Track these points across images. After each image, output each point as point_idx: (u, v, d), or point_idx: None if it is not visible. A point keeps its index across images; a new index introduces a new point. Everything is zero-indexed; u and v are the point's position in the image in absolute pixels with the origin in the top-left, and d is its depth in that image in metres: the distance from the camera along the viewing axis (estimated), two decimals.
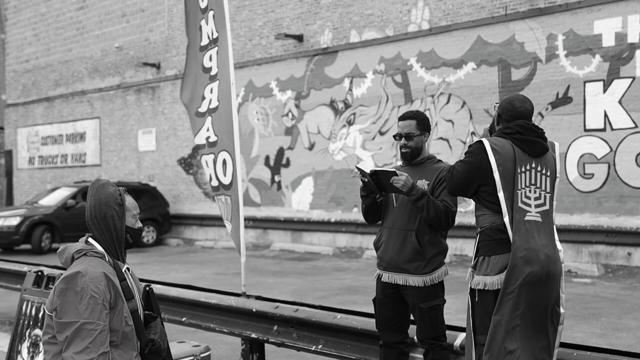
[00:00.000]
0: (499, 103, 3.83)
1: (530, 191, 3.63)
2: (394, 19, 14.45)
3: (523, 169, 3.63)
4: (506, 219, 3.58)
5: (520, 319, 3.53)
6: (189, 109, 6.24)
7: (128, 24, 20.37)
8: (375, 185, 4.15)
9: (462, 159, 3.80)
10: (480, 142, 3.68)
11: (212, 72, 5.95)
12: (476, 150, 3.68)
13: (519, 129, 3.67)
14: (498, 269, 3.59)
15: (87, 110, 21.97)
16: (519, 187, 3.61)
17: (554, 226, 3.74)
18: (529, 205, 3.61)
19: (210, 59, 5.96)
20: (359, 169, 4.15)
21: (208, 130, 5.96)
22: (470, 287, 3.71)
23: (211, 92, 5.97)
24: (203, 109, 6.04)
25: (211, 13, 5.91)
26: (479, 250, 3.71)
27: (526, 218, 3.58)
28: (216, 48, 5.88)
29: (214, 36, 5.91)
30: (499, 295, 3.55)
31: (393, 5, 14.46)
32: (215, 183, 5.96)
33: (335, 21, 15.44)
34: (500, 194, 3.60)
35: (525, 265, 3.52)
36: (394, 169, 4.14)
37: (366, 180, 4.15)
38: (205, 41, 6.05)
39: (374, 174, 4.10)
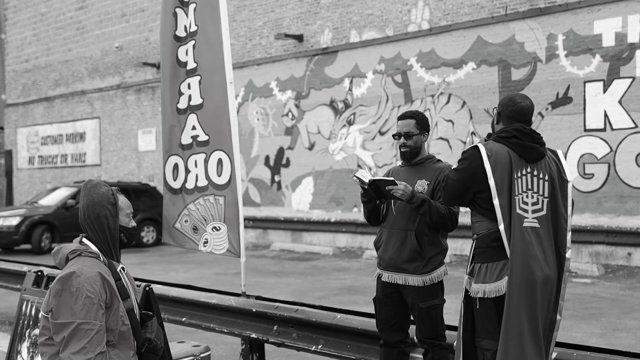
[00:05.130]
0: (499, 102, 3.79)
1: (527, 197, 3.54)
2: (394, 19, 14.44)
3: (519, 174, 3.55)
4: (501, 227, 3.51)
5: (523, 324, 3.48)
6: (162, 102, 5.95)
7: (128, 24, 20.37)
8: (375, 194, 4.16)
9: (455, 166, 3.71)
10: (476, 147, 3.61)
11: (189, 67, 5.72)
12: (471, 157, 3.60)
13: (515, 133, 3.59)
14: (496, 276, 3.54)
15: (87, 110, 21.97)
16: (517, 193, 3.52)
17: (569, 231, 3.62)
18: (527, 211, 3.52)
19: (187, 53, 5.73)
20: (357, 177, 4.15)
21: (194, 128, 5.69)
22: (470, 295, 3.64)
23: (189, 87, 5.71)
24: (182, 105, 5.78)
25: (192, 6, 5.72)
26: (475, 257, 3.65)
27: (524, 224, 3.50)
28: (193, 42, 5.68)
29: (192, 29, 5.70)
30: (505, 304, 3.47)
31: (393, 5, 14.45)
32: (202, 183, 5.70)
33: (335, 21, 15.43)
34: (496, 201, 3.52)
35: (524, 271, 3.44)
36: (392, 178, 4.14)
37: (366, 187, 4.16)
38: (181, 32, 5.79)
39: (373, 183, 4.11)
